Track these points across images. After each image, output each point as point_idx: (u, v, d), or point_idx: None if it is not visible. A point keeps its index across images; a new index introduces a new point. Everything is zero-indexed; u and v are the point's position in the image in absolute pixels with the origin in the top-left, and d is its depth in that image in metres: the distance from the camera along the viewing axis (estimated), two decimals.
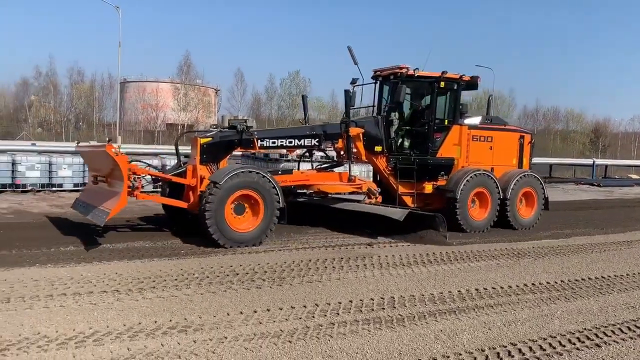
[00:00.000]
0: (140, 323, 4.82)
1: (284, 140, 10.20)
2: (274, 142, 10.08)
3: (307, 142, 10.38)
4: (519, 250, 9.15)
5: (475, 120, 11.69)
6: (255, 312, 5.30)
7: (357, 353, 4.36)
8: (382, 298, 5.94)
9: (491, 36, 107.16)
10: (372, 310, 5.51)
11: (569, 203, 19.09)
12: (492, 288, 6.59)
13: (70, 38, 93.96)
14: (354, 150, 10.62)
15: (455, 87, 11.24)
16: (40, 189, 15.09)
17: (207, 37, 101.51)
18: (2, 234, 8.85)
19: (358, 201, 10.87)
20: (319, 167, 11.86)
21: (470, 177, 10.82)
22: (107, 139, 8.93)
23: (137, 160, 9.19)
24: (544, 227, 12.17)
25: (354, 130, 10.47)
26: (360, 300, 5.83)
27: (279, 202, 8.76)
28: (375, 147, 10.97)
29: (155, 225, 10.00)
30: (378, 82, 11.63)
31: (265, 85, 67.95)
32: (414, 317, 5.34)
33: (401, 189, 11.09)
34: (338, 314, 5.34)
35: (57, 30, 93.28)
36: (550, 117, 76.81)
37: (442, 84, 11.05)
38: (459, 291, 6.37)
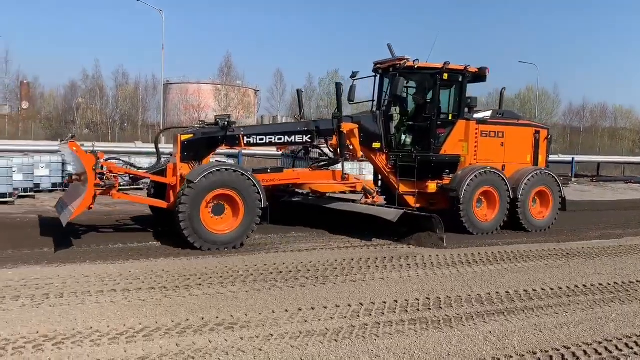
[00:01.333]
0: (188, 319, 4.89)
1: (273, 137, 9.71)
2: (261, 139, 9.57)
3: (298, 138, 9.84)
4: (569, 251, 8.86)
5: (485, 114, 10.97)
6: (300, 310, 5.30)
7: (404, 353, 4.30)
8: (427, 298, 5.85)
9: (535, 32, 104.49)
10: (418, 310, 5.43)
11: (618, 202, 18.41)
12: (542, 289, 6.40)
13: (115, 42, 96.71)
14: (350, 147, 10.06)
15: (460, 79, 10.53)
16: None
17: (247, 38, 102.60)
18: (54, 231, 9.15)
19: (355, 201, 10.35)
20: (315, 164, 11.11)
21: (476, 175, 10.09)
22: (70, 135, 8.26)
23: (114, 158, 8.95)
24: (594, 227, 11.77)
25: (346, 126, 9.85)
26: (406, 300, 5.75)
27: (260, 202, 8.30)
28: (374, 144, 10.40)
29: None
30: (378, 75, 10.99)
31: (304, 85, 68.19)
32: (462, 318, 5.24)
33: (402, 188, 10.53)
34: (383, 313, 5.29)
35: (103, 34, 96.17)
36: (598, 114, 74.38)
37: (446, 76, 10.30)
38: (507, 292, 6.21)
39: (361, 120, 10.31)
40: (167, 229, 9.00)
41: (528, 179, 10.63)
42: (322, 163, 11.01)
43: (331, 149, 10.43)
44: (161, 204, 8.67)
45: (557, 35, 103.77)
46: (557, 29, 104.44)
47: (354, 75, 10.78)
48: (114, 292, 5.66)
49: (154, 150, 9.90)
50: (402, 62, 10.21)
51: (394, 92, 10.08)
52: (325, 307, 5.40)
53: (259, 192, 8.30)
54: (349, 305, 5.48)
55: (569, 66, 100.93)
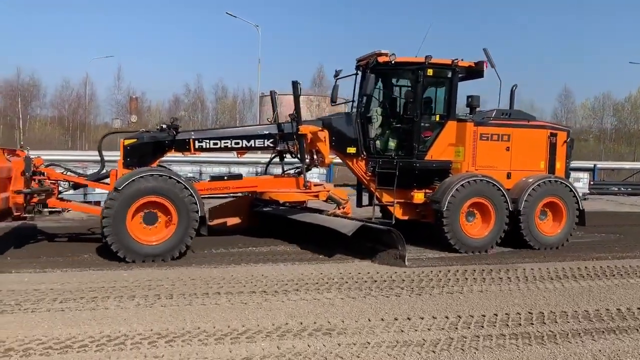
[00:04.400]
0: (287, 323, 5.06)
1: (229, 142, 8.92)
2: (215, 144, 8.85)
3: (258, 143, 9.04)
4: None
5: (486, 114, 9.74)
6: (396, 319, 5.30)
7: None
8: (529, 313, 5.62)
9: None
10: (520, 325, 5.24)
11: None
12: None
13: (215, 57, 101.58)
14: (320, 152, 9.12)
15: (449, 76, 9.40)
16: None
17: (341, 47, 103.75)
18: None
19: (321, 211, 9.44)
20: (287, 171, 10.22)
21: (463, 184, 8.80)
22: None
23: (54, 165, 8.66)
24: None
25: (305, 129, 8.91)
26: (506, 314, 5.57)
27: (197, 211, 7.72)
28: (348, 149, 9.39)
29: (294, 229, 10.30)
30: (360, 72, 9.78)
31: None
32: (567, 334, 4.99)
33: (387, 198, 9.47)
34: (482, 326, 5.16)
35: (204, 50, 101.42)
36: None
37: (430, 72, 9.20)
38: (618, 309, 5.82)
39: (332, 123, 9.36)
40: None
41: (532, 189, 9.19)
42: (298, 169, 10.03)
43: (295, 155, 9.49)
44: (96, 211, 8.14)
45: None
46: None
47: (337, 74, 9.94)
48: (218, 295, 5.97)
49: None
50: (374, 57, 9.17)
51: (363, 91, 9.16)
52: (422, 318, 5.36)
53: (195, 201, 7.73)
54: (447, 317, 5.40)
55: None
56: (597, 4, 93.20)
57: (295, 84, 8.82)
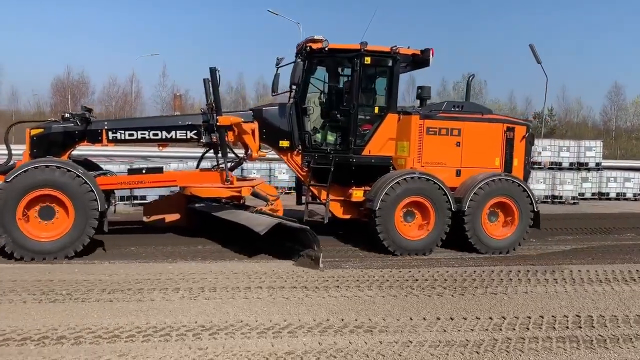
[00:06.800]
0: (328, 320, 5.07)
1: (147, 133, 8.42)
2: (131, 135, 8.37)
3: (180, 134, 8.51)
4: None
5: (436, 107, 9.07)
6: (439, 319, 5.24)
7: None
8: (577, 316, 5.46)
9: None
10: (567, 328, 5.10)
11: None
12: None
13: (256, 55, 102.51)
14: (250, 144, 8.69)
15: (390, 64, 8.86)
16: None
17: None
18: (205, 230, 9.92)
19: (247, 207, 8.87)
20: (220, 164, 9.22)
21: (399, 181, 8.17)
22: None
23: None
24: None
25: (225, 120, 8.39)
26: (553, 316, 5.43)
27: (96, 207, 7.22)
28: (281, 142, 8.89)
29: (336, 226, 10.25)
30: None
31: (437, 90, 66.52)
32: (618, 339, 4.82)
33: (324, 195, 8.87)
34: (528, 328, 5.04)
35: (246, 48, 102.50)
36: None
37: (368, 60, 8.64)
38: None
39: (263, 114, 8.87)
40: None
41: (480, 188, 8.39)
42: (231, 164, 9.35)
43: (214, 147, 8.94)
44: None
45: None
46: None
47: (278, 62, 9.28)
48: (259, 289, 6.04)
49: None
50: (305, 44, 8.68)
51: (291, 79, 8.62)
52: (465, 318, 5.28)
53: (94, 197, 7.25)
54: (490, 318, 5.30)
55: None
56: None
57: (213, 71, 8.34)
